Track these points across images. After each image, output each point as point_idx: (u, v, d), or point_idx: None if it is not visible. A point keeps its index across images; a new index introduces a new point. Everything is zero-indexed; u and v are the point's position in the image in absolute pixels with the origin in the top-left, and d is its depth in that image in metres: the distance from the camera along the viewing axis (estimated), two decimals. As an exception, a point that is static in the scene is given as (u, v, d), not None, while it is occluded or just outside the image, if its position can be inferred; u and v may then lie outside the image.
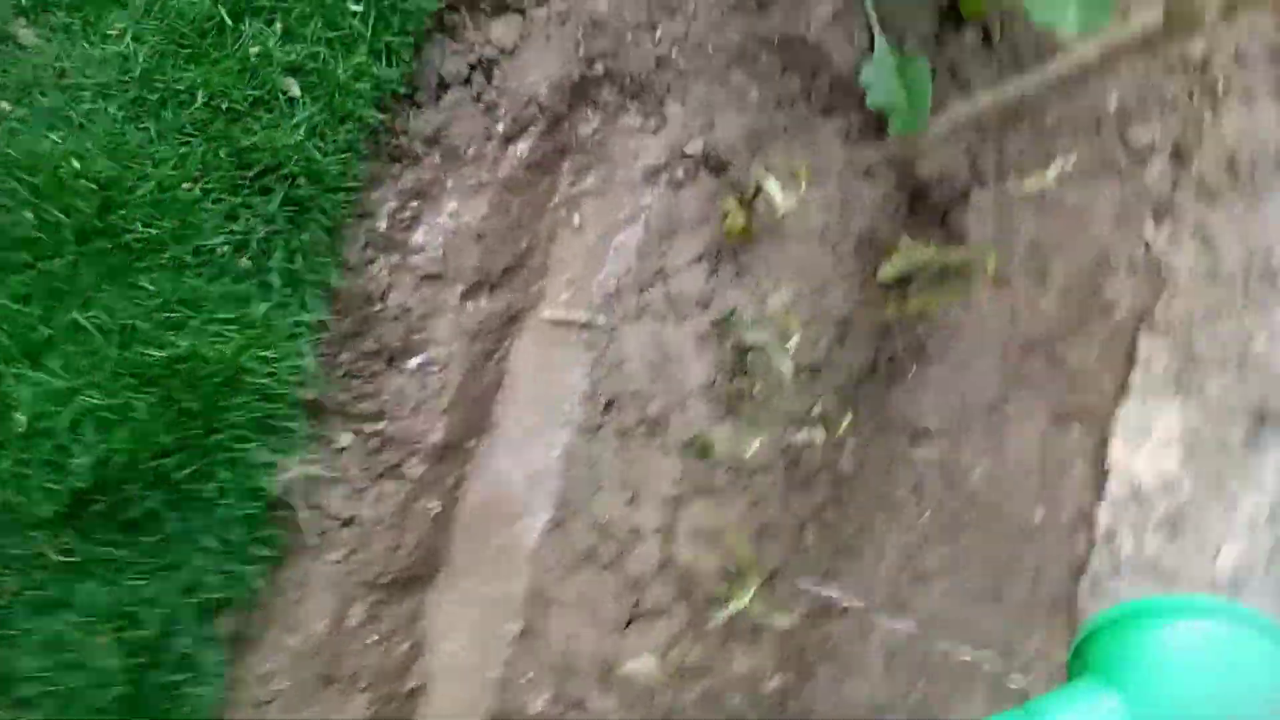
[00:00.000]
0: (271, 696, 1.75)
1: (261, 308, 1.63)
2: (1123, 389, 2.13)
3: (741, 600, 1.71)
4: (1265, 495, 2.00)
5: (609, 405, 1.96)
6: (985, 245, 1.63)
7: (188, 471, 1.56)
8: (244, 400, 1.58)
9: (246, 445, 1.60)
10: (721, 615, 1.72)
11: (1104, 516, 2.06)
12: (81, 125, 1.66)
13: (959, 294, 1.94)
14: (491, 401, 2.00)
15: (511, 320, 1.98)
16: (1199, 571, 2.00)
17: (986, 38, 2.10)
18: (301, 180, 1.62)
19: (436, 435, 1.86)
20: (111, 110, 1.67)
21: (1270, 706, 0.90)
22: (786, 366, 1.72)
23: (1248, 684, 0.91)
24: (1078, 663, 0.97)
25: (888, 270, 1.82)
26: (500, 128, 1.85)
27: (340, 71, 1.62)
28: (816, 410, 1.89)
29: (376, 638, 1.85)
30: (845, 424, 1.77)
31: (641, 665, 1.74)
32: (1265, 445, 2.00)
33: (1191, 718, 0.88)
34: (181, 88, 1.64)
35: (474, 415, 1.94)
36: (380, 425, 1.82)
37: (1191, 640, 0.92)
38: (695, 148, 1.97)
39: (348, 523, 1.80)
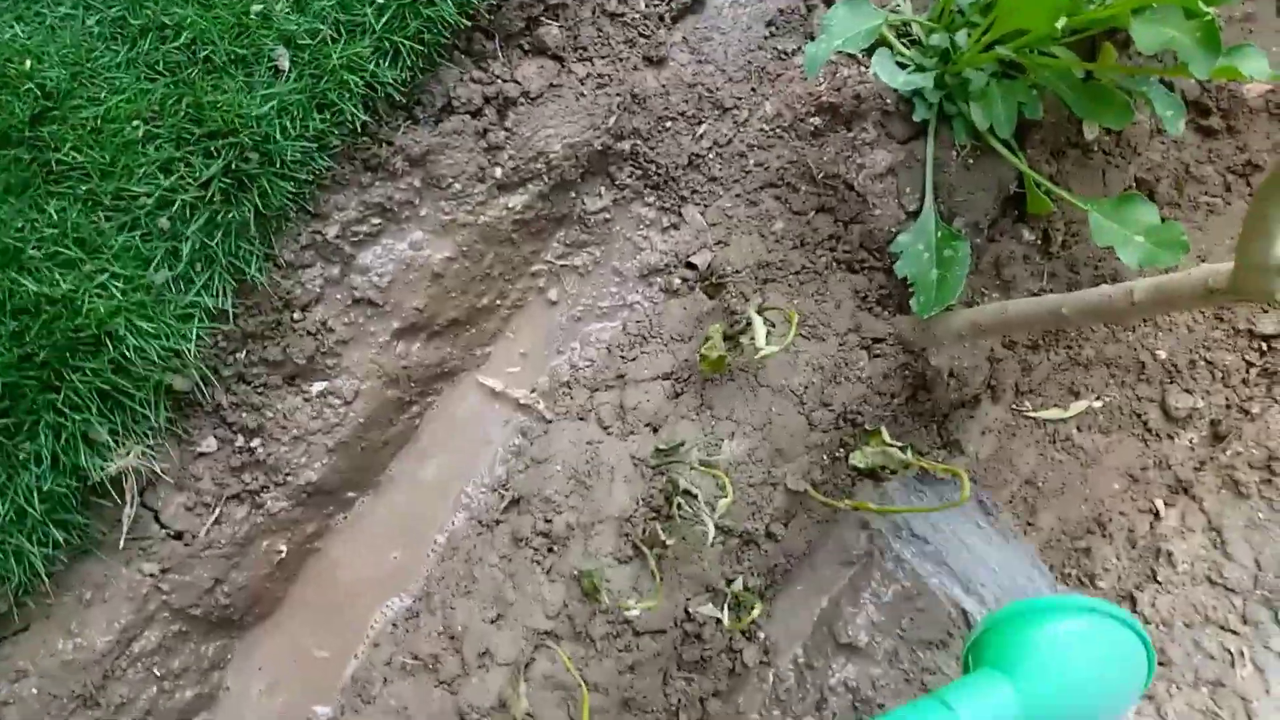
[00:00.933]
0: (11, 698, 1.51)
1: (161, 274, 1.45)
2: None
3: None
4: None
5: (514, 503, 1.75)
6: (959, 472, 1.42)
7: (7, 423, 1.36)
8: (98, 368, 1.39)
9: (82, 417, 1.40)
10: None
11: None
12: (52, 28, 1.53)
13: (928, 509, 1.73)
14: (391, 456, 1.80)
15: (442, 376, 1.79)
16: None
17: (1046, 241, 1.93)
18: (252, 155, 1.46)
19: (312, 474, 1.66)
20: (89, 22, 1.53)
21: (1128, 682, 1.16)
22: (710, 528, 1.51)
23: (1112, 666, 1.14)
24: (973, 657, 1.19)
25: (858, 458, 1.62)
26: (498, 172, 1.69)
27: (335, 56, 1.47)
28: (733, 587, 1.67)
29: (161, 673, 1.61)
30: (755, 612, 1.54)
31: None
32: (1220, 792, 1.75)
33: (1069, 695, 1.11)
34: (169, 22, 1.50)
35: (363, 465, 1.74)
36: (254, 443, 1.62)
37: (1066, 633, 1.13)
38: (702, 260, 1.80)
39: (177, 536, 1.59)
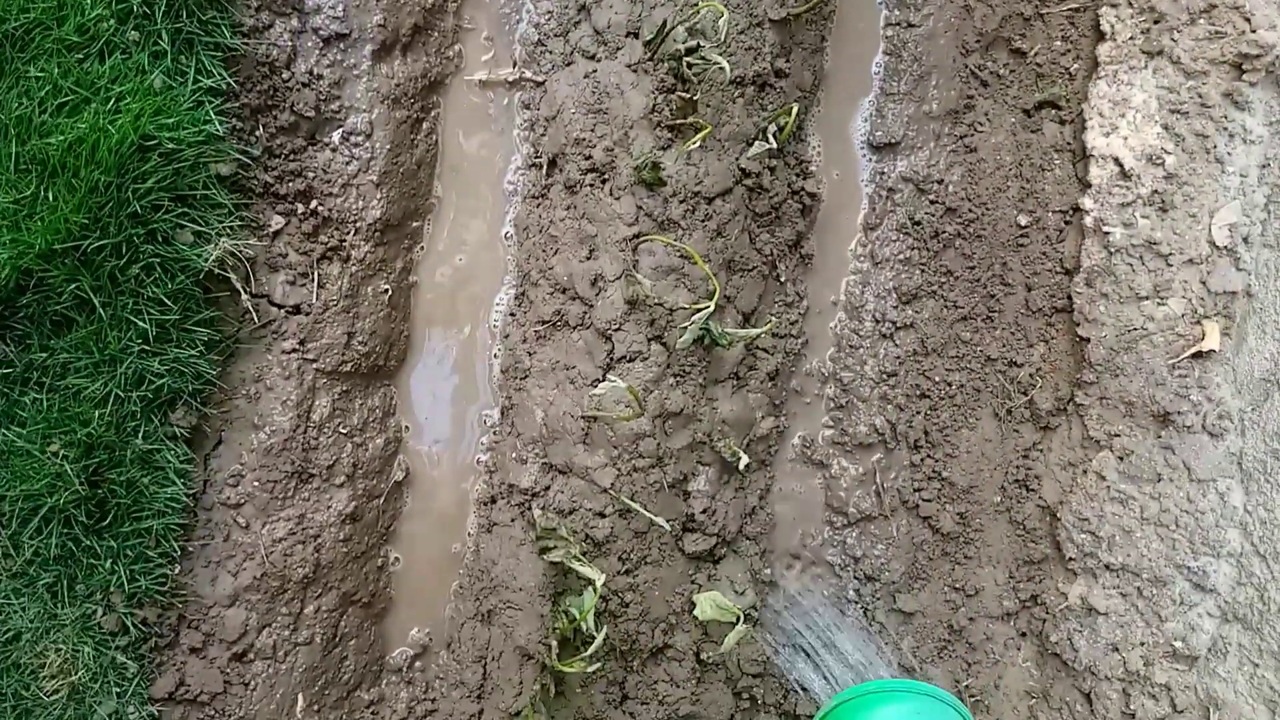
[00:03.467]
0: (243, 498, 1.73)
1: (157, 76, 1.58)
2: (1091, 69, 2.07)
3: (706, 310, 1.67)
4: (1254, 148, 1.95)
5: (552, 163, 1.92)
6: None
7: (107, 247, 1.52)
8: (153, 168, 1.54)
9: (165, 216, 1.56)
10: (689, 332, 1.68)
11: (1090, 206, 2.02)
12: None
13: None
14: (430, 178, 1.96)
15: (433, 86, 1.93)
16: (1194, 243, 1.96)
17: None
18: (171, -69, 1.56)
19: (374, 211, 1.83)
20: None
21: None
22: (724, 62, 1.66)
23: None
24: None
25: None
26: None
27: None
28: (765, 121, 1.84)
29: (348, 430, 1.83)
30: (792, 122, 1.71)
31: (621, 406, 1.71)
32: (1247, 95, 1.95)
33: None
34: None
35: (411, 191, 1.90)
36: (312, 205, 1.78)
37: (900, 713, 1.42)
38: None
39: (295, 310, 1.78)
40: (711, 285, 1.78)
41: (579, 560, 1.60)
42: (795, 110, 1.73)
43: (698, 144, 1.70)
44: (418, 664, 1.94)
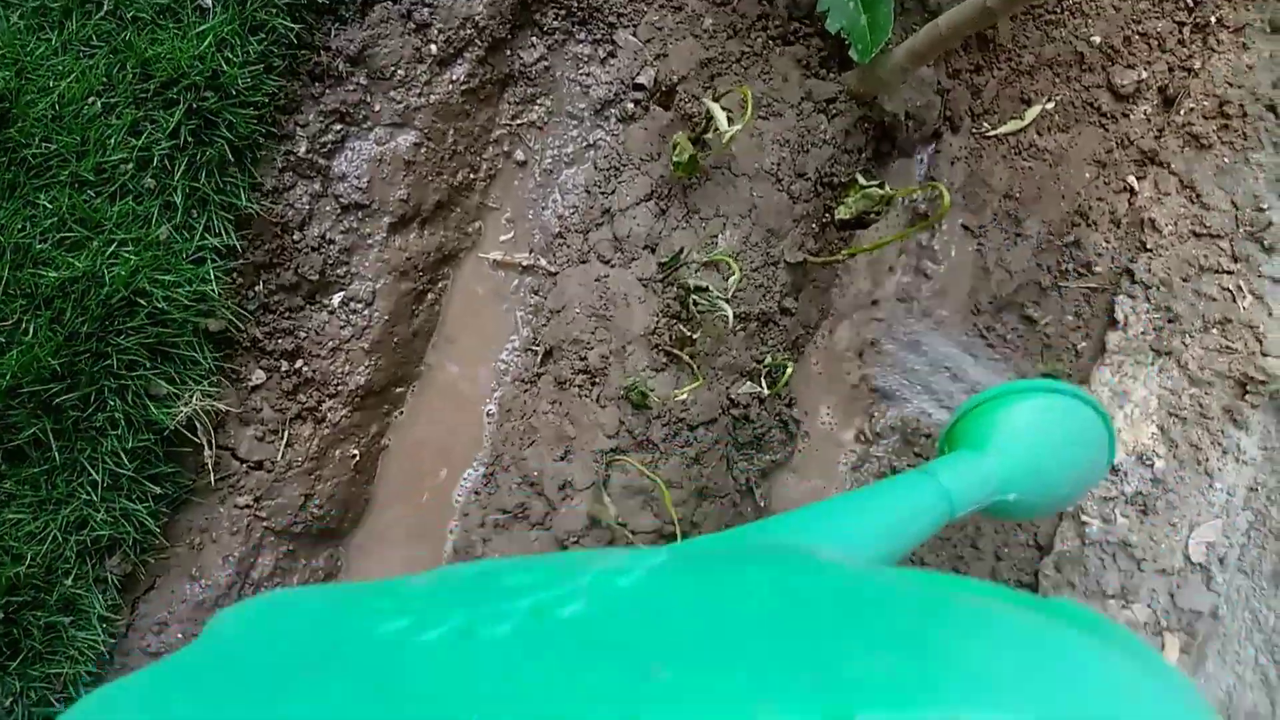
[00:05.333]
0: (165, 647, 1.71)
1: (164, 229, 1.58)
2: (1099, 352, 2.08)
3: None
4: (1245, 469, 1.96)
5: (548, 354, 1.92)
6: (938, 184, 1.57)
7: (75, 397, 1.52)
8: (139, 324, 1.54)
9: (140, 373, 1.56)
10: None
11: (1075, 488, 2.02)
12: (-21, 31, 1.62)
13: (921, 231, 1.90)
14: (425, 346, 1.96)
15: (445, 260, 1.94)
16: (1169, 553, 1.95)
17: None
18: (208, 93, 1.57)
19: (359, 378, 1.82)
20: (13, 19, 1.63)
21: (1091, 451, 1.34)
22: (728, 311, 1.67)
23: (1074, 435, 1.32)
24: (948, 444, 1.36)
25: (842, 211, 1.78)
26: (433, 49, 1.81)
27: (251, -23, 1.58)
28: (763, 361, 1.85)
29: (287, 591, 1.81)
30: (788, 373, 1.72)
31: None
32: (1247, 415, 1.96)
33: (1039, 460, 1.27)
34: (85, -7, 1.60)
35: (402, 360, 1.91)
36: (297, 364, 1.78)
37: (1032, 409, 1.30)
38: (647, 77, 1.92)
39: (257, 466, 1.76)
40: (674, 524, 1.77)
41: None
42: (790, 369, 1.74)
43: (685, 395, 1.70)
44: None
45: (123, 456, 1.56)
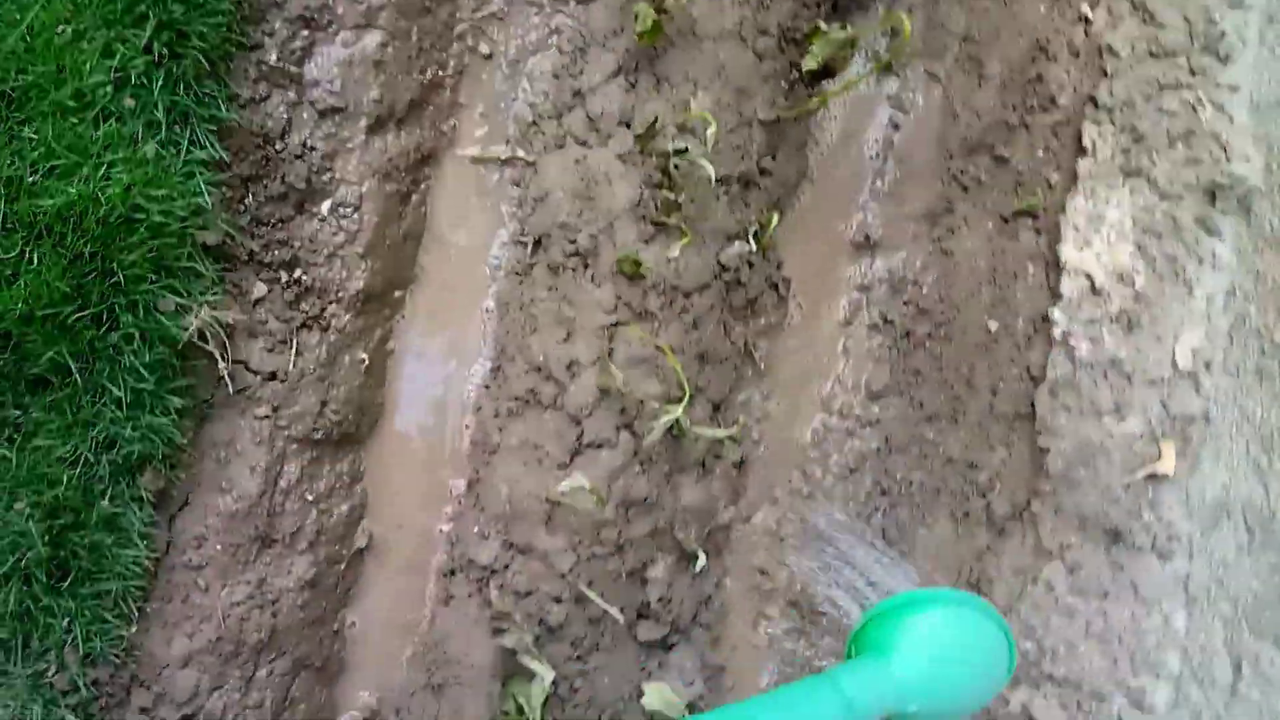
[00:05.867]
0: (205, 560, 1.77)
1: (150, 146, 1.61)
2: (1071, 181, 2.15)
3: (674, 413, 1.74)
4: (1221, 274, 2.04)
5: (537, 243, 1.97)
6: (897, 14, 1.62)
7: (88, 316, 1.56)
8: (139, 239, 1.57)
9: (147, 287, 1.60)
10: (656, 430, 1.75)
11: (1059, 318, 2.10)
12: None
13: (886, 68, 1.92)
14: (416, 249, 2.01)
15: (424, 160, 1.98)
16: (1158, 364, 2.03)
17: None
18: (174, 5, 1.60)
19: (357, 283, 1.87)
20: (-32, -43, 1.64)
21: (992, 665, 1.43)
22: (709, 167, 1.72)
23: (975, 650, 1.40)
24: (854, 647, 1.42)
25: (809, 61, 1.82)
26: (388, -52, 1.83)
27: (200, -117, 1.59)
28: (747, 219, 1.91)
29: (313, 497, 1.87)
30: (773, 225, 1.78)
31: (584, 500, 1.76)
32: (1218, 222, 2.03)
33: (938, 672, 1.34)
34: (37, -79, 1.60)
35: (396, 263, 1.95)
36: (296, 274, 1.82)
37: (934, 621, 1.37)
38: (601, -44, 1.95)
39: (271, 377, 1.81)
40: (681, 384, 1.83)
41: (530, 654, 1.65)
42: (775, 219, 1.80)
43: (677, 253, 1.76)
44: (365, 728, 1.98)
45: (142, 371, 1.60)
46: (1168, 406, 2.02)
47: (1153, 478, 1.99)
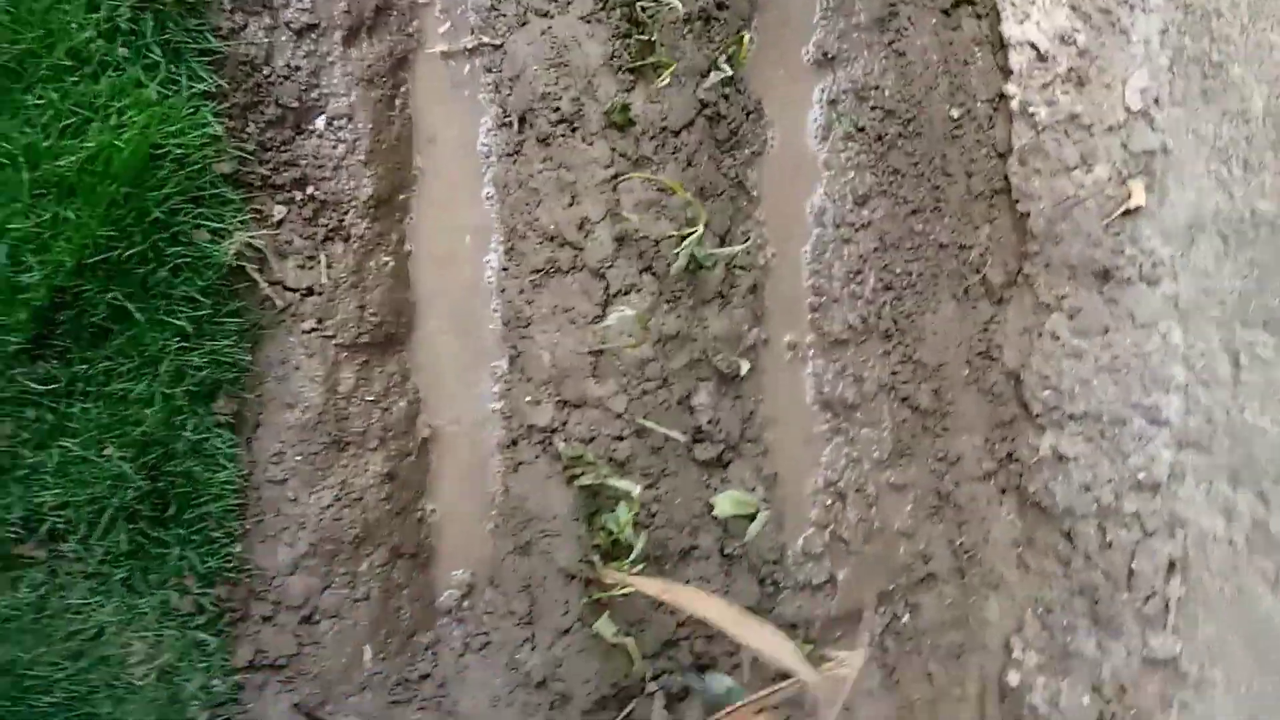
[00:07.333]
0: (287, 473, 1.91)
1: (151, 88, 1.70)
2: (1001, -39, 2.30)
3: (696, 233, 1.89)
4: (1153, 15, 2.21)
5: (522, 121, 2.08)
6: None
7: (135, 254, 1.67)
8: (167, 174, 1.68)
9: (183, 219, 1.70)
10: (681, 256, 1.90)
11: (1014, 90, 2.26)
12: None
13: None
14: (410, 151, 2.11)
15: (400, 63, 2.08)
16: (1112, 111, 2.21)
17: None
18: (143, -54, 1.68)
19: (366, 189, 1.98)
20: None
21: None
22: (680, 7, 1.84)
23: None
24: None
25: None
26: None
27: None
28: (714, 53, 2.04)
29: (373, 398, 2.00)
30: (746, 47, 1.91)
31: (631, 329, 1.91)
32: (1143, -32, 2.20)
33: None
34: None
35: (396, 165, 2.06)
36: (308, 191, 1.93)
37: None
38: None
39: (309, 292, 1.93)
40: (693, 210, 1.98)
41: (613, 476, 1.81)
42: (746, 38, 1.93)
43: (666, 80, 1.89)
44: (466, 603, 2.14)
45: (198, 298, 1.72)
46: (1128, 147, 2.21)
47: (1128, 214, 2.19)
